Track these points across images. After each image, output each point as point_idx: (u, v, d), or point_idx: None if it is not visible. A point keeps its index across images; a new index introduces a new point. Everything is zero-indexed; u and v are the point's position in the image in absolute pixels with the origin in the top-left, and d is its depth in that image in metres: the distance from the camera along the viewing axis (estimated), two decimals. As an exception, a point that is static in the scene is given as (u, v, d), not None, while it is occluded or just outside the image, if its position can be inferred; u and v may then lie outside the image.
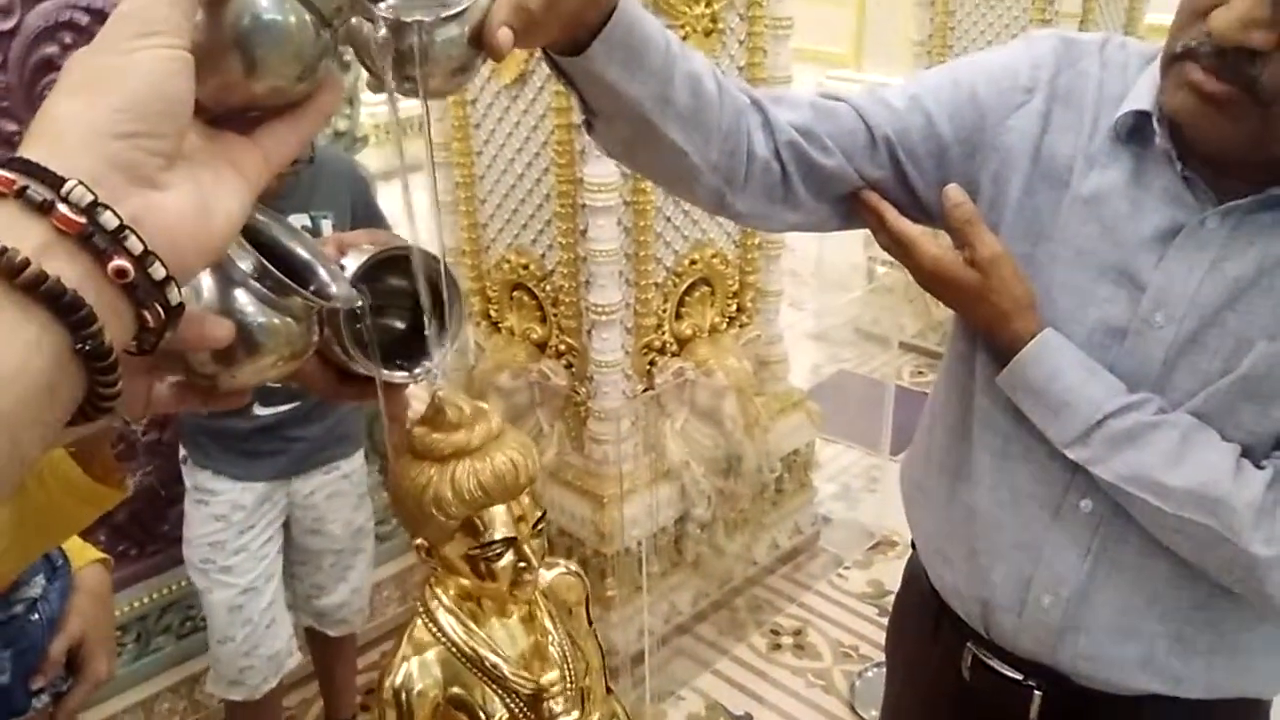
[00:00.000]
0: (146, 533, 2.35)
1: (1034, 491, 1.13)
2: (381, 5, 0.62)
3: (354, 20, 0.62)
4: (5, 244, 0.40)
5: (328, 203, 2.03)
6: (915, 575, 1.37)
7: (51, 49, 1.89)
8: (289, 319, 0.59)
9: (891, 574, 3.11)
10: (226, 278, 0.56)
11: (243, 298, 0.57)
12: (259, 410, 2.05)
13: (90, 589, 1.37)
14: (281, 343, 0.59)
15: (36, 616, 1.26)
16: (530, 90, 2.45)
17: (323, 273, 0.64)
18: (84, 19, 1.90)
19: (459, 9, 0.65)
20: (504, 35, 0.68)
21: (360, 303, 0.65)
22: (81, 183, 0.42)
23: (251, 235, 0.58)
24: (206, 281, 0.56)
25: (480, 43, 0.67)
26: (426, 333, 0.70)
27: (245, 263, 0.57)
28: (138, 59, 0.46)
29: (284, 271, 0.57)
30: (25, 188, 0.42)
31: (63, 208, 0.42)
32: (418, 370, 0.72)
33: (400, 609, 2.89)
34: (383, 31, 0.62)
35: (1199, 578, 1.06)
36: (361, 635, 2.58)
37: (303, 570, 2.32)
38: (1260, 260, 0.99)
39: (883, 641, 1.57)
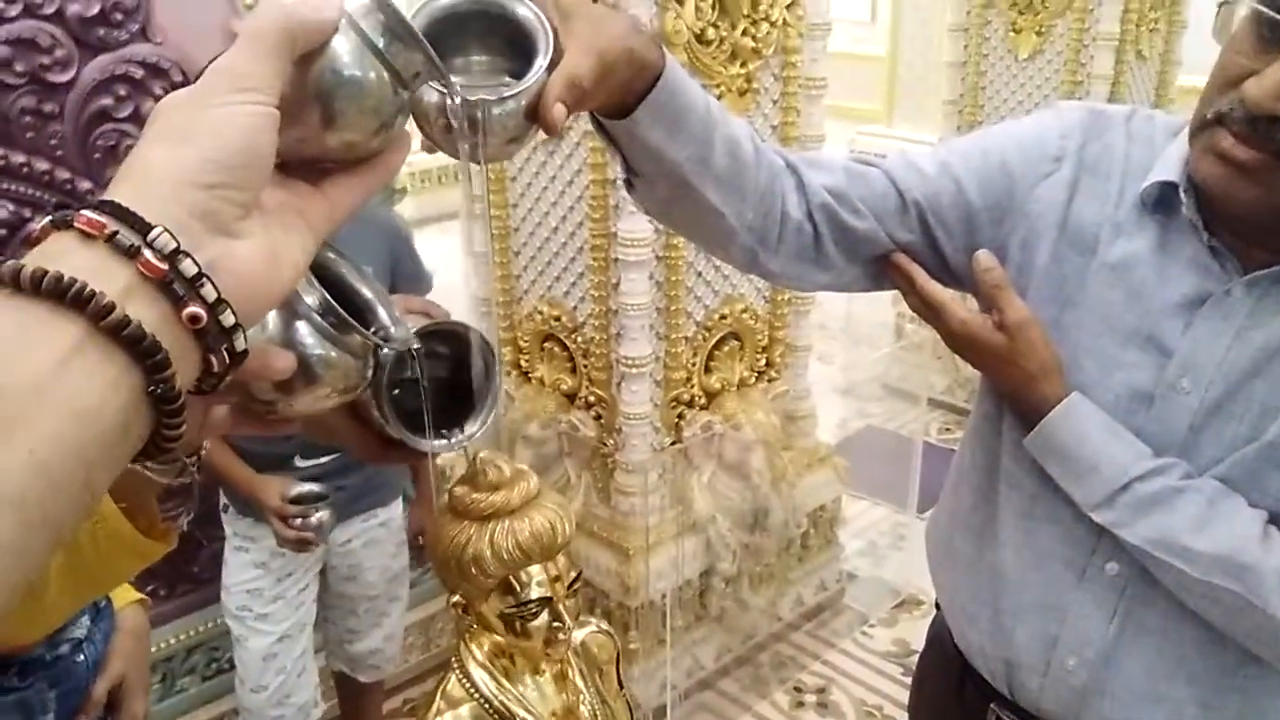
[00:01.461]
0: (177, 573, 2.38)
1: (1060, 553, 1.14)
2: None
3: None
4: (94, 287, 0.42)
5: (364, 258, 2.03)
6: (939, 635, 1.37)
7: (107, 101, 1.95)
8: (347, 355, 0.61)
9: (917, 633, 3.08)
10: (292, 310, 0.59)
11: (305, 331, 0.59)
12: (300, 462, 2.07)
13: (131, 629, 1.39)
14: (338, 376, 0.61)
15: (82, 658, 1.27)
16: (566, 145, 2.50)
17: (383, 314, 0.67)
18: (139, 73, 1.96)
19: (519, 89, 0.68)
20: (558, 111, 0.72)
21: (416, 345, 0.68)
22: (167, 230, 0.44)
23: (319, 270, 0.61)
24: (272, 313, 0.58)
25: (535, 116, 0.71)
26: (474, 402, 0.73)
27: (311, 297, 0.59)
28: (229, 113, 0.48)
29: (346, 309, 0.60)
30: (115, 232, 0.43)
31: (148, 254, 0.44)
32: (452, 440, 0.74)
33: (424, 655, 2.89)
34: (451, 103, 0.65)
35: (1227, 643, 1.06)
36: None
37: (337, 615, 2.33)
38: None
39: (906, 701, 1.56)
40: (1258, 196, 0.94)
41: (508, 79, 0.72)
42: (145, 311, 0.43)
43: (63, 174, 1.95)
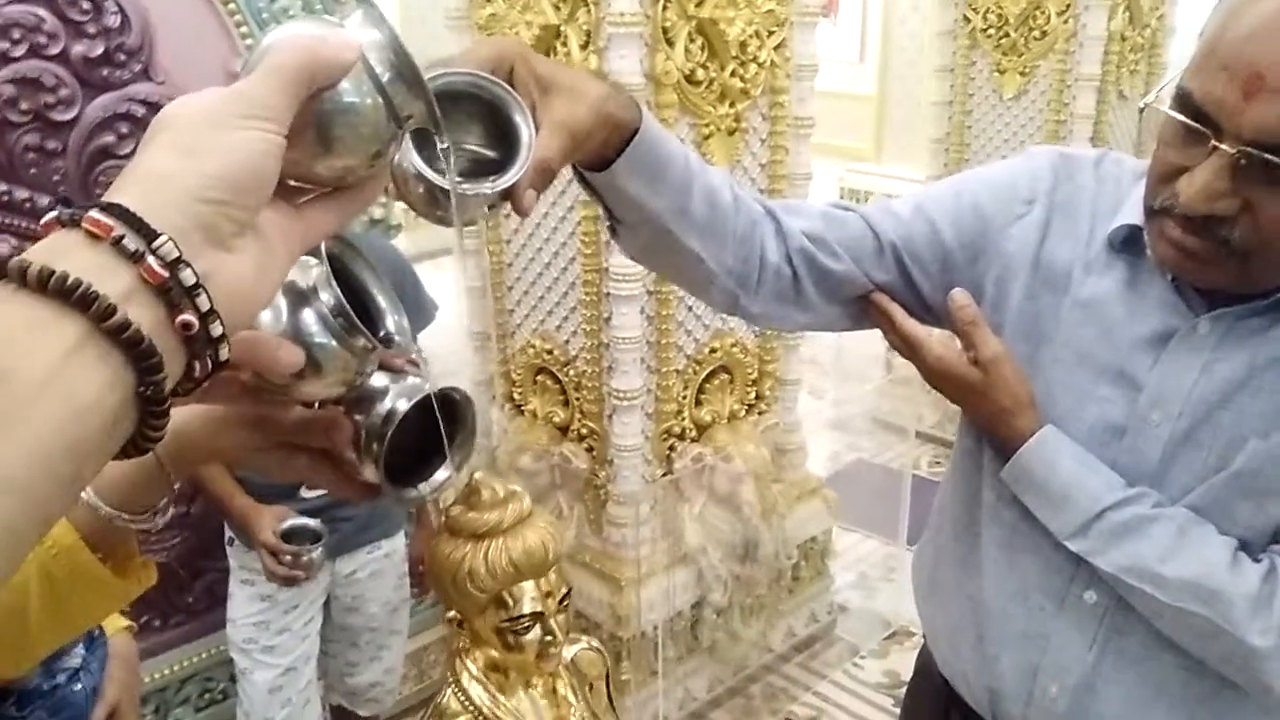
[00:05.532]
0: (171, 604, 2.39)
1: (1039, 583, 1.16)
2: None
3: (396, 159, 0.70)
4: (98, 289, 0.43)
5: None
6: (926, 664, 1.39)
7: (109, 138, 2.00)
8: (348, 353, 0.66)
9: (907, 664, 3.07)
10: (306, 304, 0.64)
11: (315, 325, 0.64)
12: (305, 493, 2.08)
13: (123, 656, 1.41)
14: (339, 368, 0.66)
15: (79, 686, 1.30)
16: (559, 183, 2.53)
17: (390, 321, 0.71)
18: (141, 110, 2.01)
19: (498, 184, 0.74)
20: (530, 198, 0.77)
21: (417, 349, 0.72)
22: (171, 238, 0.45)
23: (340, 265, 0.65)
24: (286, 304, 0.63)
25: (508, 195, 0.76)
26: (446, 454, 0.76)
27: (326, 294, 0.64)
28: (240, 137, 0.50)
29: (358, 308, 0.64)
30: (122, 236, 0.44)
31: (151, 260, 0.45)
32: (423, 489, 0.76)
33: (418, 686, 2.89)
34: (438, 181, 0.71)
35: (1205, 670, 1.08)
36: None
37: (337, 648, 2.33)
38: (1250, 362, 1.03)
39: (895, 730, 1.59)
40: (1214, 276, 1.00)
41: (485, 153, 0.78)
42: (143, 314, 0.45)
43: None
